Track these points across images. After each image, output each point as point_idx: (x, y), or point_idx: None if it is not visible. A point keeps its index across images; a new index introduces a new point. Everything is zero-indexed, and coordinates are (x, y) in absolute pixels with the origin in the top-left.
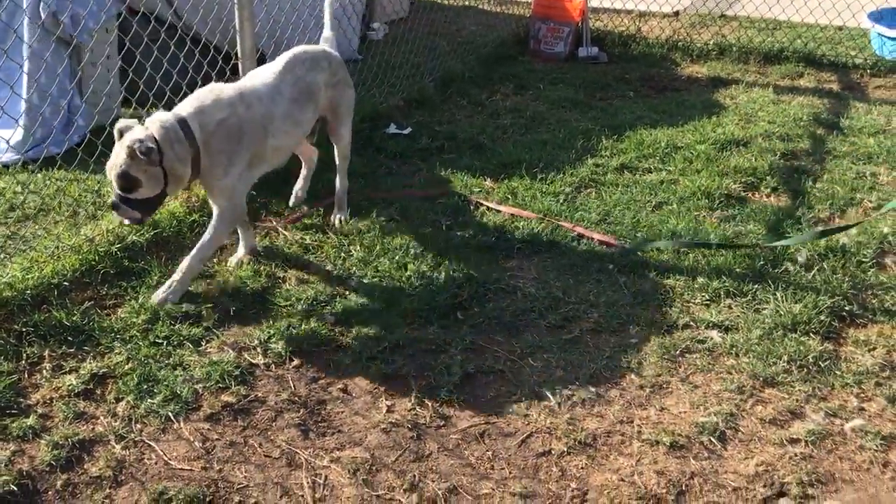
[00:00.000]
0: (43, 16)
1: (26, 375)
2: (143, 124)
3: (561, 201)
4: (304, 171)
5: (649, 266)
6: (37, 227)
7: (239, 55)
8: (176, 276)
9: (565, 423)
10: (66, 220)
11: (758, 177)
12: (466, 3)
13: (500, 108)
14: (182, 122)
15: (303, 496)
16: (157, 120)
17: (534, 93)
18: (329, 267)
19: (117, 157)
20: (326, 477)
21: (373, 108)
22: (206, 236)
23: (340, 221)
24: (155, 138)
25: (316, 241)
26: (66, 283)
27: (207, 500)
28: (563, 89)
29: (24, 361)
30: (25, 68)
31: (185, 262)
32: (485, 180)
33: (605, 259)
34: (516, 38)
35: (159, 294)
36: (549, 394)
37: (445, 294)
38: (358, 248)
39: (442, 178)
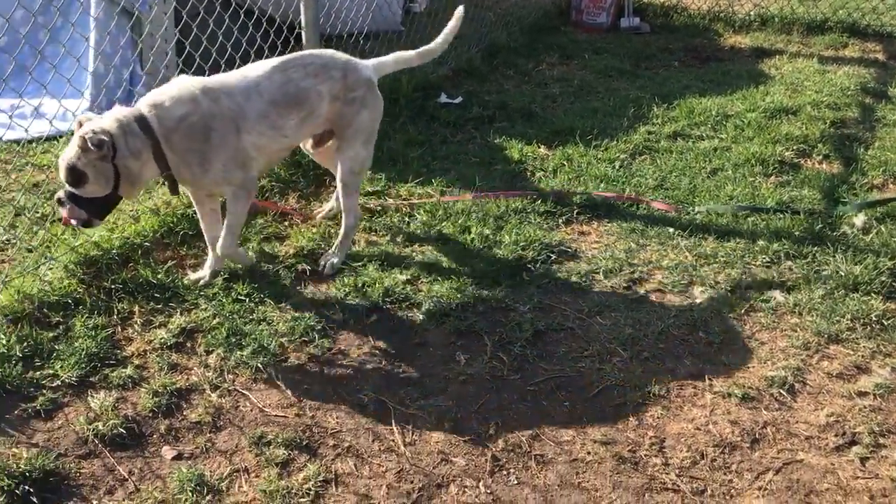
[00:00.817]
0: None
1: (119, 329)
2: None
3: (617, 167)
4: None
5: (709, 230)
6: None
7: (302, 25)
8: (210, 260)
9: (638, 377)
10: None
11: (809, 144)
12: None
13: (547, 77)
14: (139, 118)
15: (393, 440)
16: (114, 114)
17: (579, 62)
18: (393, 230)
19: (69, 149)
20: (414, 423)
21: (424, 77)
22: (228, 220)
23: (328, 266)
24: (109, 132)
25: (379, 204)
26: (147, 243)
27: (304, 443)
28: (608, 59)
29: (115, 316)
30: (92, 39)
31: (220, 246)
32: (539, 147)
33: (665, 223)
34: (558, 9)
35: (198, 277)
36: (620, 349)
37: (510, 256)
38: (421, 212)
39: (496, 146)
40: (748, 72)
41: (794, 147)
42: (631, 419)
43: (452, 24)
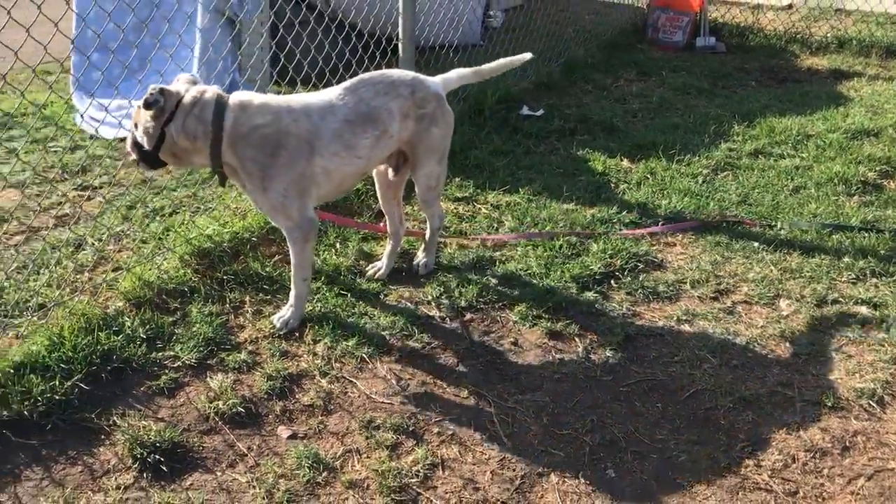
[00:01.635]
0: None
1: (232, 317)
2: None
3: (700, 182)
4: (388, 247)
5: (794, 246)
6: (210, 190)
7: (400, 36)
8: (292, 302)
9: (728, 383)
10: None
11: (892, 166)
12: None
13: (625, 93)
14: (219, 107)
15: (495, 431)
16: (202, 89)
17: (657, 79)
18: (484, 234)
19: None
20: (513, 416)
21: (506, 90)
22: (293, 262)
23: (422, 266)
24: (171, 98)
25: (469, 210)
26: (254, 238)
27: (410, 429)
28: (685, 77)
29: (228, 305)
30: (197, 49)
31: (293, 290)
32: (622, 160)
33: (749, 237)
34: (633, 26)
35: (282, 318)
36: (709, 356)
37: (599, 263)
38: (509, 218)
39: (579, 158)
40: (827, 93)
41: (877, 168)
42: (722, 422)
43: (514, 58)
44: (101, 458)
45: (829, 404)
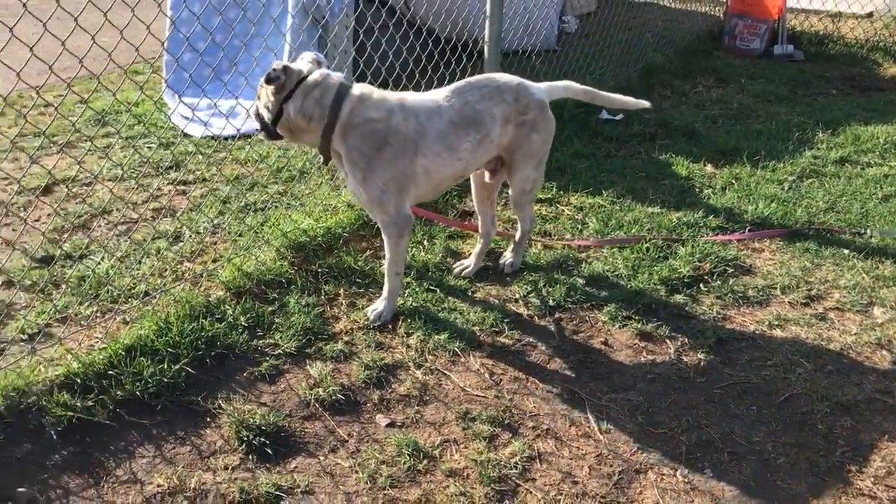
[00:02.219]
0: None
1: (328, 308)
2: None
3: (786, 189)
4: (478, 246)
5: (886, 254)
6: (302, 186)
7: (486, 40)
8: (385, 296)
9: (824, 388)
10: (327, 181)
11: None
12: None
13: (704, 99)
14: (340, 94)
15: (590, 427)
16: (329, 73)
17: (735, 86)
18: (568, 236)
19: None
20: (607, 414)
21: None
22: (386, 257)
23: (508, 266)
24: (301, 79)
25: (552, 212)
26: (346, 234)
27: (505, 422)
28: (764, 84)
29: (323, 296)
30: (286, 50)
31: (386, 284)
32: (705, 165)
33: (840, 245)
34: (710, 33)
35: (375, 310)
36: (804, 361)
37: (687, 267)
38: (593, 219)
39: (661, 162)
40: None
41: None
42: (820, 427)
43: (632, 99)
44: (208, 440)
45: None
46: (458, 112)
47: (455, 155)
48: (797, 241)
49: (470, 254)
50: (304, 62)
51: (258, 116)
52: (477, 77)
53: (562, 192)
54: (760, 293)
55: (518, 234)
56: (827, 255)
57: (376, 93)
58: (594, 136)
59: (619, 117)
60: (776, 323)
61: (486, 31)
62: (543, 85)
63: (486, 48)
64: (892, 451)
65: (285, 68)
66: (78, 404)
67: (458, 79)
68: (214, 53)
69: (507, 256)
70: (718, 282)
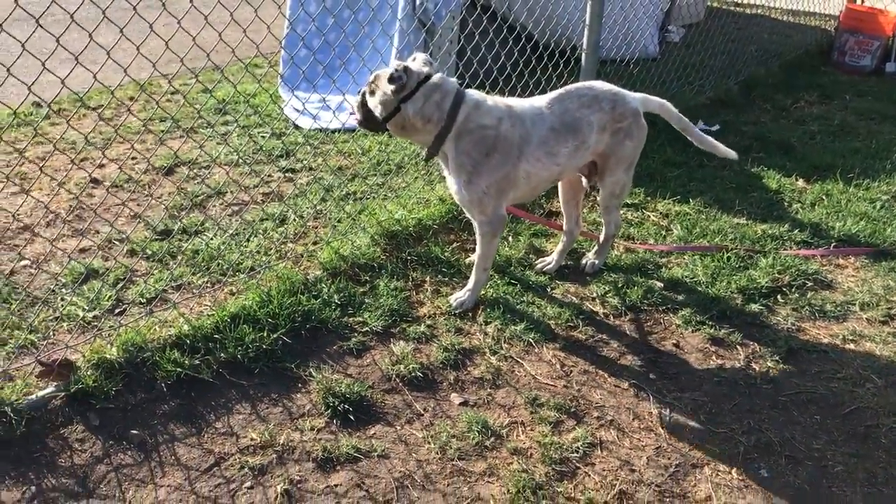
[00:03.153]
0: (412, 3)
1: (414, 293)
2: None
3: (878, 207)
4: (560, 244)
5: None
6: (399, 179)
7: (584, 48)
8: (470, 286)
9: (893, 403)
10: (422, 176)
11: None
12: (758, 11)
13: (805, 114)
14: (458, 97)
15: (652, 422)
16: (447, 78)
17: (839, 103)
18: (651, 241)
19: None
20: (671, 410)
21: (683, 104)
22: (478, 252)
23: (590, 266)
24: (421, 80)
25: (637, 217)
26: (436, 225)
27: (571, 410)
28: (870, 102)
29: (410, 282)
30: (393, 52)
31: (472, 277)
32: (797, 180)
33: None
34: (819, 48)
35: (458, 300)
36: (874, 377)
37: (766, 278)
38: (678, 227)
39: (752, 174)
40: None
41: None
42: (884, 441)
43: (721, 147)
44: (298, 403)
45: None
46: (559, 119)
47: (554, 160)
48: (883, 260)
49: (552, 251)
50: (418, 63)
51: (363, 109)
52: (576, 85)
53: (649, 199)
54: (838, 308)
55: (602, 237)
56: None
57: (489, 100)
58: (687, 145)
59: (715, 128)
60: (851, 338)
61: (585, 40)
62: (639, 95)
63: (583, 56)
64: None
65: (406, 69)
66: (186, 362)
67: (554, 84)
68: (326, 52)
69: (590, 257)
70: (796, 294)
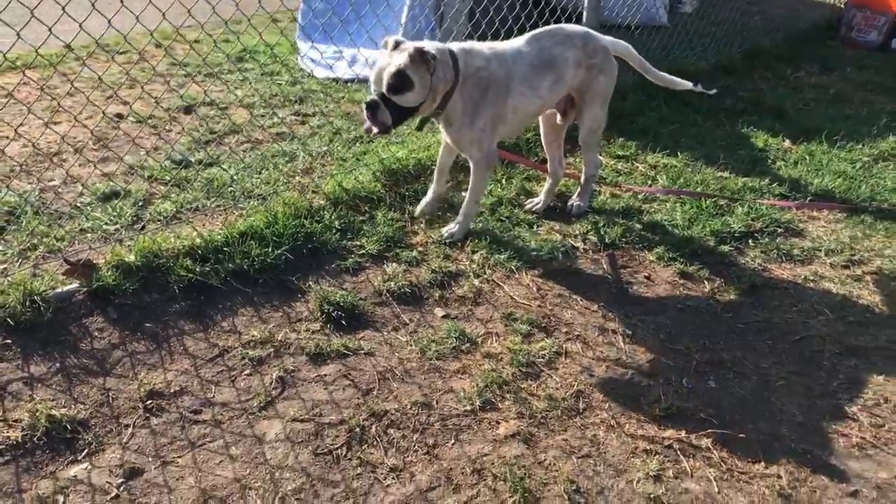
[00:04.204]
0: None
1: (409, 224)
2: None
3: (857, 167)
4: (546, 185)
5: None
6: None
7: (585, 6)
8: (460, 218)
9: (839, 333)
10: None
11: None
12: None
13: (803, 83)
14: (451, 54)
15: (616, 338)
16: (432, 43)
17: (839, 74)
18: (637, 188)
19: (393, 59)
20: (634, 330)
21: (682, 67)
22: (471, 186)
23: (575, 207)
24: (433, 54)
25: (627, 167)
26: (433, 166)
27: (542, 325)
28: (870, 74)
29: (406, 214)
30: (406, 7)
31: (464, 208)
32: (784, 141)
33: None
34: (827, 22)
35: (449, 230)
36: (827, 311)
37: (740, 223)
38: (664, 177)
39: (743, 135)
40: None
41: None
42: (825, 363)
43: (679, 80)
44: (297, 310)
45: None
46: (537, 56)
47: (536, 93)
48: (855, 213)
49: (541, 192)
50: (421, 43)
51: (398, 111)
52: (548, 27)
53: (640, 152)
54: (805, 253)
55: (583, 178)
56: (880, 228)
57: (476, 45)
58: (684, 105)
59: (712, 91)
60: (811, 278)
61: (586, 0)
62: (608, 37)
63: (584, 13)
64: (886, 389)
65: (424, 48)
66: (197, 269)
67: None
68: (344, 6)
69: (575, 199)
70: (767, 239)
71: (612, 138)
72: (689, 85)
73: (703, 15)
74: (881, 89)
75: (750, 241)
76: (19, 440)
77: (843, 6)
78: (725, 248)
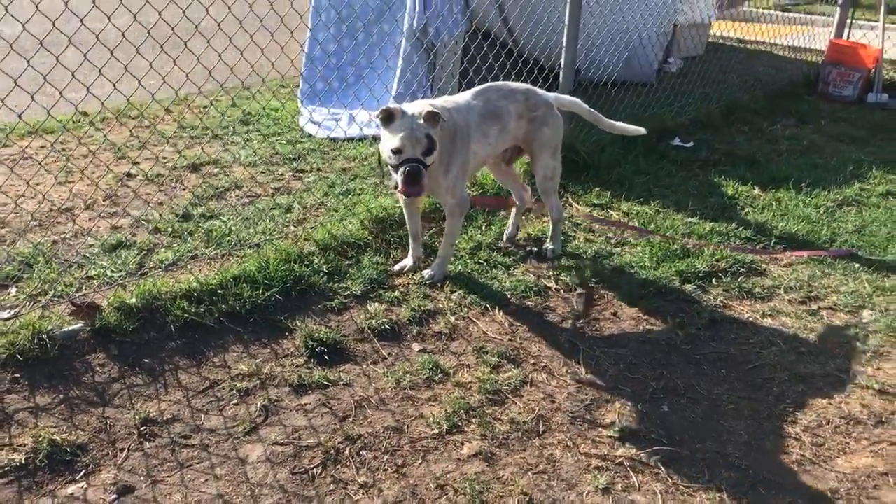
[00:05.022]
0: (415, 27)
1: (393, 267)
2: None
3: (821, 212)
4: (514, 210)
5: (893, 269)
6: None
7: (561, 65)
8: (438, 261)
9: (791, 362)
10: None
11: None
12: (760, 48)
13: (778, 135)
14: (438, 111)
15: (579, 368)
16: (426, 103)
17: (814, 127)
18: (610, 233)
19: (415, 124)
20: (596, 361)
21: (661, 122)
22: (447, 231)
23: (549, 252)
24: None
25: (601, 214)
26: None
27: (512, 357)
28: (844, 127)
29: (391, 258)
30: (399, 65)
31: (441, 251)
32: (753, 188)
33: (854, 260)
34: (805, 79)
35: (429, 273)
36: (780, 342)
37: (705, 264)
38: (636, 222)
39: (715, 184)
40: None
41: None
42: (775, 389)
43: (630, 126)
44: (283, 346)
45: (877, 388)
46: (484, 107)
47: (487, 140)
48: (814, 254)
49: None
50: (419, 103)
51: (423, 172)
52: (494, 83)
53: (615, 200)
54: (765, 290)
55: (550, 224)
56: (839, 268)
57: (435, 101)
58: (661, 158)
59: (689, 145)
60: (769, 313)
61: (563, 59)
62: (551, 94)
63: (561, 73)
64: (828, 412)
65: (434, 109)
66: (192, 310)
67: None
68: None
69: (548, 244)
70: (729, 279)
71: (589, 188)
72: (642, 130)
73: (685, 73)
74: (852, 140)
75: (713, 280)
76: (22, 462)
77: (820, 63)
78: (689, 286)
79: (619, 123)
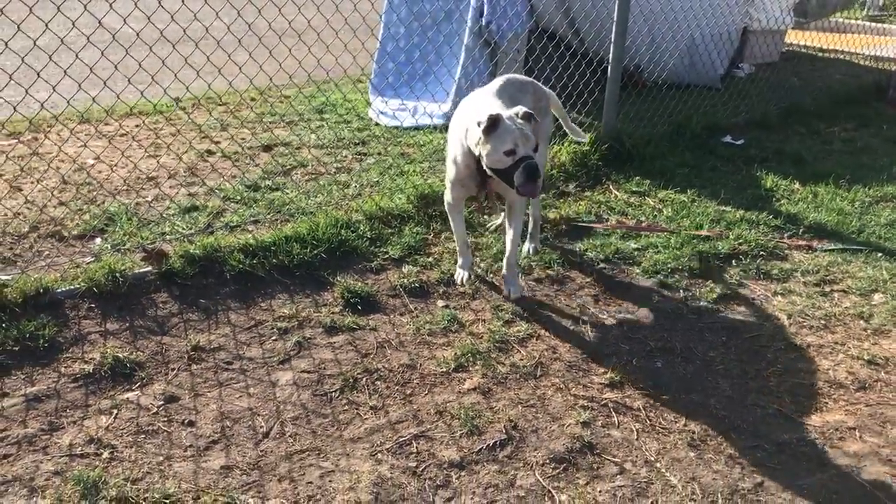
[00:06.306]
0: (478, 24)
1: (431, 237)
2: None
3: (855, 206)
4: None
5: None
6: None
7: (610, 60)
8: (509, 274)
9: (789, 334)
10: None
11: None
12: (841, 56)
13: (834, 137)
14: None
15: (586, 328)
16: (495, 102)
17: (874, 131)
18: (642, 217)
19: (521, 125)
20: (603, 322)
21: (714, 120)
22: (516, 232)
23: (528, 251)
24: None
25: (638, 201)
26: None
27: (524, 315)
28: None
29: (430, 230)
30: (461, 59)
31: (510, 260)
32: (793, 183)
33: (878, 249)
34: (876, 86)
35: (512, 292)
36: (785, 318)
37: (726, 246)
38: (669, 209)
39: (756, 177)
40: None
41: None
42: (768, 355)
43: (576, 129)
44: (323, 297)
45: (867, 359)
46: (510, 99)
47: None
48: (837, 240)
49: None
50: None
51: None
52: (506, 77)
53: (653, 189)
54: (783, 273)
55: (531, 221)
56: (860, 256)
57: (472, 98)
58: (708, 153)
59: (739, 142)
60: (780, 292)
61: (610, 55)
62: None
63: (609, 67)
64: (815, 377)
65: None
66: (247, 262)
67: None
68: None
69: (528, 243)
70: (749, 260)
71: (630, 177)
72: (583, 138)
73: (755, 79)
74: None
75: (734, 261)
76: (90, 371)
77: (893, 70)
78: (707, 266)
79: (574, 126)
